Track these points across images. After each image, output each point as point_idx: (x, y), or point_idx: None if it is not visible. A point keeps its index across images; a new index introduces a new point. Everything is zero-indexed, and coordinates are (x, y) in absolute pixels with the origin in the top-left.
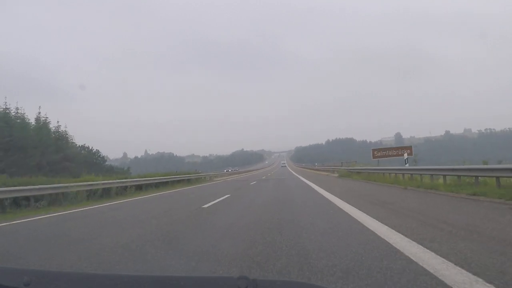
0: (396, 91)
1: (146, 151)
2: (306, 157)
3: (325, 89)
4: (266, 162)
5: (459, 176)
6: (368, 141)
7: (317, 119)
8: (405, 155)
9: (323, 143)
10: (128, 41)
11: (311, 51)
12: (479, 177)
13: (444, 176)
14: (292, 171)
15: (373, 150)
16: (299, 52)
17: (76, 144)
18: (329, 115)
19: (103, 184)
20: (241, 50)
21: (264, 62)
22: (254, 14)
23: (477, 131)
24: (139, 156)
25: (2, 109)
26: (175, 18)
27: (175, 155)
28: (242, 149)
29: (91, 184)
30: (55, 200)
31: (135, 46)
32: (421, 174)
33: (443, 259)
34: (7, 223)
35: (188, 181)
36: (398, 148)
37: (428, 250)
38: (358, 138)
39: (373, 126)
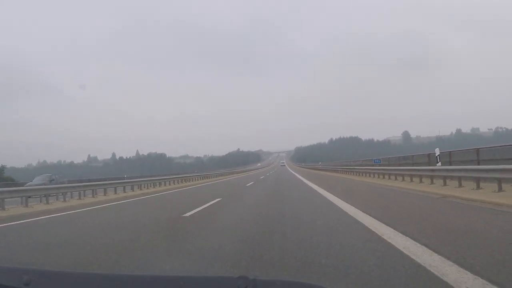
0: (399, 91)
1: (137, 152)
2: (308, 157)
3: (325, 89)
4: (259, 165)
5: None
6: (375, 139)
7: (318, 118)
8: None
9: (326, 142)
10: (124, 40)
11: (311, 51)
12: None
13: None
14: (304, 178)
15: None
16: (299, 50)
17: None
18: (330, 114)
19: None
20: (239, 46)
21: (263, 61)
22: (252, 6)
23: (487, 130)
24: (130, 157)
25: None
26: (172, 17)
27: (167, 155)
28: (238, 149)
29: None
30: None
31: (132, 45)
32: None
33: None
34: None
35: None
36: None
37: None
38: (364, 137)
39: (379, 126)
